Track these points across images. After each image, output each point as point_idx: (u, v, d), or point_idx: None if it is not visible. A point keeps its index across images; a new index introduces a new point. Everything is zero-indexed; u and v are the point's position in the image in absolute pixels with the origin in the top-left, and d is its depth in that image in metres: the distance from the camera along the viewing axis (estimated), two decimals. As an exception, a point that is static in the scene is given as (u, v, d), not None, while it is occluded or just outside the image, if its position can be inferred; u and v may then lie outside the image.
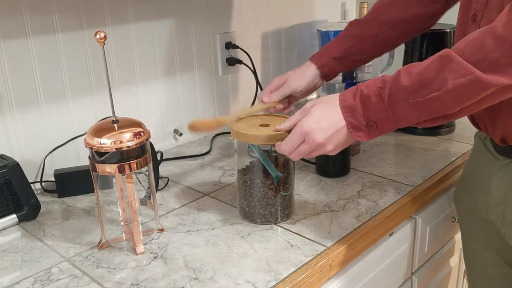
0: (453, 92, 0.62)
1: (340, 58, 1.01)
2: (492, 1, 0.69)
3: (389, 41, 1.04)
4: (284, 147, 0.74)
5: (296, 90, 0.99)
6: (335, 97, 0.72)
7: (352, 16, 1.76)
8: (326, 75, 1.02)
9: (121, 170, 0.72)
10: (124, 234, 0.82)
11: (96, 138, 0.71)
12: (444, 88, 0.62)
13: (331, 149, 0.72)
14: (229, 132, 1.29)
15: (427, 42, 1.28)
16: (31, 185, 0.90)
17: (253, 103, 1.33)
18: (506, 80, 0.59)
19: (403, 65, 1.38)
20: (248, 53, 1.30)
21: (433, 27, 1.28)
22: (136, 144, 0.72)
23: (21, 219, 0.87)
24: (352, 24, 1.04)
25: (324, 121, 0.71)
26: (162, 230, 0.83)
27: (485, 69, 0.60)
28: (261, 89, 1.31)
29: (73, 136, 1.03)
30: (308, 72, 1.00)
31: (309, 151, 0.73)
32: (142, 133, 0.73)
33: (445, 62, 0.62)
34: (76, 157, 1.05)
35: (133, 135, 0.72)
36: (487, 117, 0.79)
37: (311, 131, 0.71)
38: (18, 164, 0.86)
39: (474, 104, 0.64)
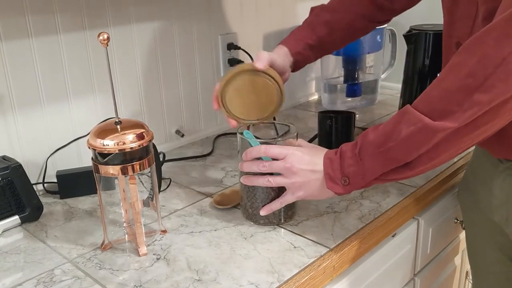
0: (406, 140, 0.67)
1: (314, 46, 0.95)
2: (477, 30, 0.67)
3: (357, 31, 1.02)
4: (269, 149, 0.77)
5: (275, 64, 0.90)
6: (323, 149, 0.79)
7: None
8: (296, 65, 0.96)
9: (124, 172, 0.72)
10: (126, 236, 0.82)
11: (99, 140, 0.71)
12: (399, 137, 0.67)
13: (299, 186, 0.76)
14: (231, 133, 1.29)
15: (430, 42, 1.28)
16: (33, 186, 0.90)
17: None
18: (452, 125, 0.63)
19: (405, 66, 1.38)
20: (250, 54, 1.30)
21: (436, 28, 1.29)
22: (139, 146, 0.71)
23: (23, 220, 0.87)
24: (322, 9, 0.98)
25: (308, 156, 0.76)
26: (164, 231, 0.82)
27: (435, 117, 0.64)
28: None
29: (75, 137, 1.03)
30: (283, 56, 0.92)
31: (279, 169, 0.76)
32: (145, 134, 0.73)
33: (402, 115, 0.68)
34: (78, 158, 1.05)
35: (136, 136, 0.72)
36: (484, 145, 0.83)
37: (294, 154, 0.76)
38: (20, 165, 0.86)
39: (432, 151, 0.67)
